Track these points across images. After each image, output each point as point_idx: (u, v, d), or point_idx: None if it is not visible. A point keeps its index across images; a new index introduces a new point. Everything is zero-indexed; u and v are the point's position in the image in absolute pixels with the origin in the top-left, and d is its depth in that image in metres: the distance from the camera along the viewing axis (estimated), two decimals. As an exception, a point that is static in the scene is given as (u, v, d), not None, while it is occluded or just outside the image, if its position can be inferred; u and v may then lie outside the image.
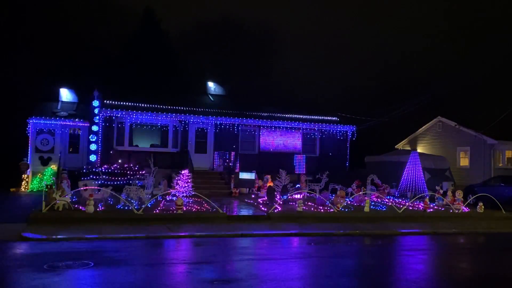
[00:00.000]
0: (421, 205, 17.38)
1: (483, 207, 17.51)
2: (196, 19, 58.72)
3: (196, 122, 23.77)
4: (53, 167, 22.04)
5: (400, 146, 32.08)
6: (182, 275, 8.08)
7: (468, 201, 18.08)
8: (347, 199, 17.36)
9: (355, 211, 15.93)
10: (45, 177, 21.59)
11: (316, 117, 26.42)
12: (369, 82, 48.83)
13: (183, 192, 16.09)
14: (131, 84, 33.20)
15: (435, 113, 29.29)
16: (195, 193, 15.85)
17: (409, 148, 30.00)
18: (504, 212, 17.31)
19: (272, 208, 14.97)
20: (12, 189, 21.29)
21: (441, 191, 20.00)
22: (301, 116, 25.81)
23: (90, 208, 13.15)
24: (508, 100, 28.71)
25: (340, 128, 26.10)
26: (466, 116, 28.05)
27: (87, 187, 14.76)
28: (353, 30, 64.03)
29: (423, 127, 30.12)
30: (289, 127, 25.12)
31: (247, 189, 21.07)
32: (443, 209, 17.66)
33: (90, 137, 22.04)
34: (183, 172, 16.75)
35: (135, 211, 13.45)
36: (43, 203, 13.06)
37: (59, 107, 24.94)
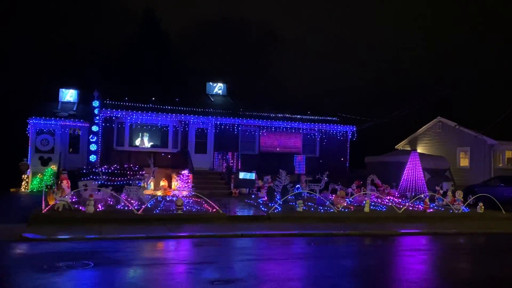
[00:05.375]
0: (421, 206, 17.37)
1: (483, 207, 17.50)
2: (196, 19, 58.76)
3: (196, 122, 23.77)
4: (53, 167, 22.04)
5: (400, 146, 32.08)
6: (182, 275, 8.08)
7: (468, 201, 18.06)
8: (347, 199, 17.36)
9: (355, 212, 15.93)
10: (45, 177, 21.59)
11: (316, 117, 26.41)
12: (369, 82, 48.86)
13: (183, 192, 16.10)
14: (131, 84, 33.22)
15: (435, 113, 29.29)
16: (195, 193, 15.86)
17: (409, 148, 29.99)
18: (504, 212, 17.30)
19: (272, 208, 14.98)
20: (12, 189, 21.29)
21: (441, 191, 19.99)
22: (301, 117, 25.80)
23: (90, 208, 13.15)
24: (508, 100, 28.69)
25: (340, 128, 26.10)
26: (466, 116, 28.04)
27: (87, 188, 14.76)
28: (353, 29, 64.01)
29: (423, 127, 30.12)
30: (289, 127, 25.11)
31: (247, 189, 21.07)
32: (443, 209, 17.65)
33: (90, 137, 22.03)
34: (183, 172, 16.79)
35: (135, 212, 13.45)
36: (43, 203, 13.06)
37: (59, 107, 24.93)
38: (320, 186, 20.87)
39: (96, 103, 21.87)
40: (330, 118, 26.85)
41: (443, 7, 60.91)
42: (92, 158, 21.68)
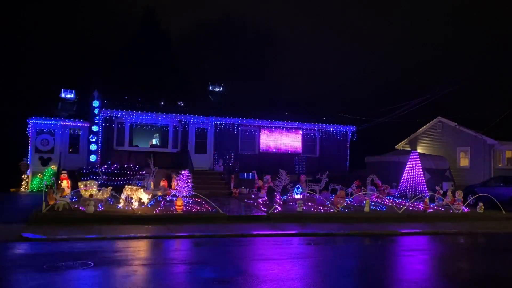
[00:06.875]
0: (421, 206, 17.37)
1: (483, 207, 17.50)
2: (196, 19, 58.78)
3: (196, 122, 23.78)
4: (53, 167, 22.04)
5: (400, 146, 32.08)
6: (182, 275, 8.08)
7: (468, 201, 18.06)
8: (347, 199, 17.36)
9: (355, 211, 15.93)
10: (45, 177, 21.59)
11: (316, 117, 26.42)
12: (369, 82, 48.85)
13: (183, 192, 16.10)
14: (131, 84, 33.23)
15: (435, 113, 29.28)
16: (195, 193, 15.86)
17: (409, 148, 29.99)
18: (504, 212, 17.30)
19: (272, 208, 14.97)
20: (12, 189, 21.29)
21: (441, 191, 19.98)
22: (301, 116, 25.82)
23: (90, 208, 13.15)
24: (508, 100, 28.69)
25: (340, 128, 26.11)
26: (466, 116, 28.04)
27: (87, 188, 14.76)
28: (353, 30, 64.02)
29: (423, 127, 30.11)
30: (289, 127, 25.13)
31: (247, 189, 21.07)
32: (443, 209, 17.65)
33: (90, 137, 22.05)
34: (183, 172, 16.79)
35: (135, 212, 13.45)
36: (43, 203, 13.06)
37: (59, 107, 24.90)
38: (320, 186, 20.87)
39: (96, 103, 21.88)
40: (330, 118, 26.85)
41: (443, 7, 60.91)
42: (92, 158, 21.69)
